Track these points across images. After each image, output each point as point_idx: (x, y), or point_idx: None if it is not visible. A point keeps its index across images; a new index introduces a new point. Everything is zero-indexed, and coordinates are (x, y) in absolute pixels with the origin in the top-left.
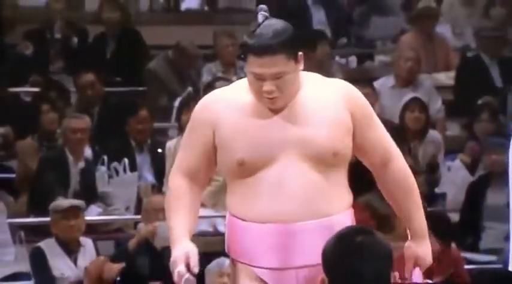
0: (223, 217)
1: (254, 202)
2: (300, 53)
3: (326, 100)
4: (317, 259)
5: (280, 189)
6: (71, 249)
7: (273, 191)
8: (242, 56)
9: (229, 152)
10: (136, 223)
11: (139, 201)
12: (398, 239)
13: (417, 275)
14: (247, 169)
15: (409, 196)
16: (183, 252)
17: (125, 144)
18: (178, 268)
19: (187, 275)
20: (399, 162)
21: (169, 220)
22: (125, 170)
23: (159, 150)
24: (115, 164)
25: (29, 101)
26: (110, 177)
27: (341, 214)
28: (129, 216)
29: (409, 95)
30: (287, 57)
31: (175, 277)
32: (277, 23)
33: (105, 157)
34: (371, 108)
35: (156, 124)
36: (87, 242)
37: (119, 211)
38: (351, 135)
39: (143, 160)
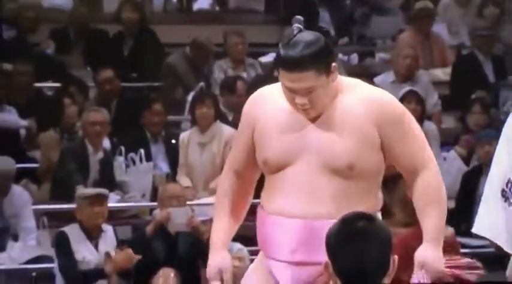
0: None
1: (273, 197)
2: (334, 64)
3: (354, 112)
4: (304, 257)
5: (292, 188)
6: (93, 235)
7: (286, 189)
8: (275, 68)
9: (259, 150)
10: (151, 210)
11: (154, 189)
12: (397, 225)
13: (421, 276)
14: (271, 168)
15: (430, 203)
16: (218, 267)
17: (141, 135)
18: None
19: None
20: (430, 172)
21: (214, 218)
22: (141, 160)
23: (173, 141)
24: (131, 154)
25: (51, 96)
26: (127, 166)
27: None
28: (145, 203)
29: (406, 89)
30: (317, 72)
31: None
32: (308, 37)
33: (122, 148)
34: (406, 120)
35: (170, 117)
36: (108, 228)
37: (136, 199)
38: (376, 149)
39: (158, 150)
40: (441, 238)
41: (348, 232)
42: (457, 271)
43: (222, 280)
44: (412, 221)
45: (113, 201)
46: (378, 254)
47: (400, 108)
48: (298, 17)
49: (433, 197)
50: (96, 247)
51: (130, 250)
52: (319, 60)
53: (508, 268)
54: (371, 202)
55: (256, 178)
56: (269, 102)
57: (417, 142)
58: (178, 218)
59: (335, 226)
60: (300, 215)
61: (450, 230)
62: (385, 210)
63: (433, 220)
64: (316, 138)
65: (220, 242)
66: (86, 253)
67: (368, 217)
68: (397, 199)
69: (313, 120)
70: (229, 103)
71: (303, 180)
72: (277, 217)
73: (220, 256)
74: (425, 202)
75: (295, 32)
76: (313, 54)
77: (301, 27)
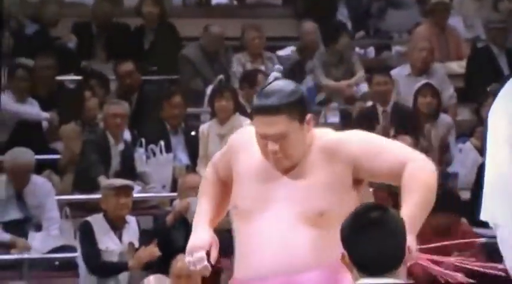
0: None
1: (246, 259)
2: (309, 115)
3: (324, 158)
4: None
5: (264, 244)
6: (117, 225)
7: (259, 247)
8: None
9: (232, 194)
10: (172, 200)
11: (174, 179)
12: None
13: None
14: (239, 214)
15: (410, 191)
16: (206, 240)
17: (161, 127)
18: (199, 254)
19: (206, 262)
20: (414, 164)
21: (198, 203)
22: (161, 151)
23: (193, 133)
24: (152, 146)
25: (73, 89)
26: (148, 157)
27: (306, 273)
28: (165, 194)
29: (422, 82)
30: (290, 117)
31: (193, 260)
32: (285, 84)
33: (143, 140)
34: (369, 138)
35: (190, 109)
36: (131, 219)
37: (156, 189)
38: (347, 189)
39: (178, 142)
40: (416, 225)
41: (362, 222)
42: (433, 265)
43: (208, 254)
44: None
45: (134, 192)
46: (392, 243)
47: (349, 132)
48: (278, 66)
49: (414, 186)
50: (119, 237)
51: (153, 246)
52: (293, 106)
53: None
54: (322, 257)
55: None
56: (248, 147)
57: (386, 147)
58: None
59: (349, 217)
60: (278, 272)
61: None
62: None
63: (409, 207)
64: (284, 186)
65: (204, 221)
66: (109, 243)
67: (381, 208)
68: None
69: (285, 172)
70: (249, 96)
71: (275, 230)
72: (254, 282)
73: (207, 230)
74: (405, 191)
75: (271, 80)
76: (287, 100)
77: (279, 75)
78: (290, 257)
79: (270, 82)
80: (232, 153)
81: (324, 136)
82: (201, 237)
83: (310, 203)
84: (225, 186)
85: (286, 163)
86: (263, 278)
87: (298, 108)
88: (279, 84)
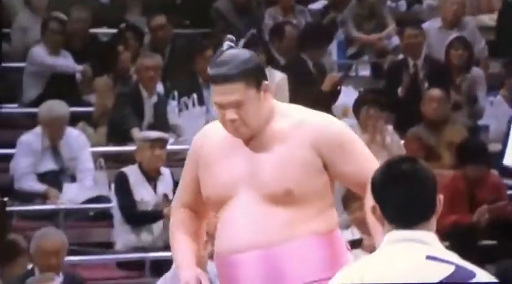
0: None
1: (224, 236)
2: (266, 82)
3: (286, 137)
4: None
5: (239, 222)
6: (151, 176)
7: (234, 225)
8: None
9: (202, 187)
10: None
11: None
12: (443, 167)
13: None
14: (214, 204)
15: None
16: (195, 275)
17: (193, 81)
18: None
19: None
20: None
21: (173, 250)
22: (193, 104)
23: None
24: (184, 99)
25: (106, 42)
26: (180, 110)
27: (287, 243)
28: None
29: (453, 35)
30: (246, 85)
31: None
32: (239, 52)
33: (176, 93)
34: (346, 139)
35: None
36: (165, 171)
37: (189, 141)
38: (318, 171)
39: (210, 95)
40: None
41: (393, 174)
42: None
43: None
44: (458, 163)
45: (168, 144)
46: (424, 195)
47: (338, 127)
48: (230, 36)
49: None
50: (154, 189)
51: None
52: (249, 73)
53: None
54: (322, 223)
55: (207, 213)
56: (209, 139)
57: (362, 158)
58: None
59: (379, 170)
60: (255, 246)
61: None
62: (432, 152)
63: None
64: (250, 168)
65: (188, 260)
66: (144, 194)
67: (411, 159)
68: (443, 142)
69: (247, 147)
70: (279, 48)
71: (248, 213)
72: (233, 256)
73: (194, 267)
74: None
75: (225, 47)
76: (242, 67)
77: (233, 44)
78: (265, 235)
79: (224, 51)
80: (195, 152)
81: (291, 111)
82: (189, 275)
83: (277, 182)
84: (197, 218)
85: (245, 132)
86: (242, 251)
87: (254, 76)
88: (233, 52)
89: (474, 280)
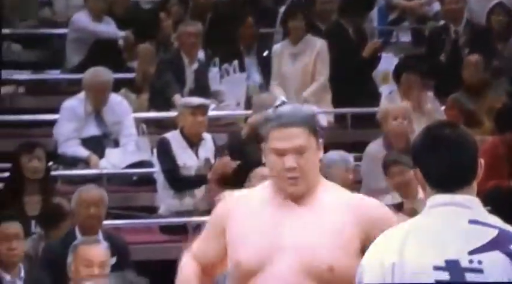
0: (325, 113)
1: None
2: (321, 141)
3: (335, 212)
4: None
5: None
6: (193, 142)
7: None
8: (264, 136)
9: (231, 252)
10: (246, 118)
11: (248, 98)
12: (485, 133)
13: None
14: (243, 272)
15: None
16: None
17: (234, 47)
18: None
19: None
20: None
21: None
22: (234, 71)
23: (265, 53)
24: (226, 65)
25: (149, 9)
26: (221, 76)
27: None
28: (240, 111)
29: (494, 1)
30: (308, 131)
31: None
32: (298, 105)
33: (217, 59)
34: (391, 219)
35: (262, 30)
36: (207, 136)
37: (230, 107)
38: (356, 254)
39: (251, 62)
40: None
41: (434, 139)
42: None
43: None
44: (498, 129)
45: (209, 110)
46: (465, 159)
47: (389, 212)
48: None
49: None
50: (196, 153)
51: (228, 157)
52: (311, 121)
53: None
54: None
55: (215, 275)
56: (241, 204)
57: None
58: None
59: (420, 135)
60: None
61: None
62: (472, 118)
63: None
64: (293, 237)
65: None
66: (186, 159)
67: (452, 124)
68: (485, 107)
69: (292, 211)
70: (320, 15)
71: None
72: None
73: None
74: None
75: (279, 102)
76: (305, 114)
77: (286, 101)
78: None
79: (280, 104)
80: (222, 221)
81: (337, 187)
82: None
83: (323, 256)
84: (205, 277)
85: (301, 187)
86: None
87: (315, 126)
88: (292, 105)
89: None
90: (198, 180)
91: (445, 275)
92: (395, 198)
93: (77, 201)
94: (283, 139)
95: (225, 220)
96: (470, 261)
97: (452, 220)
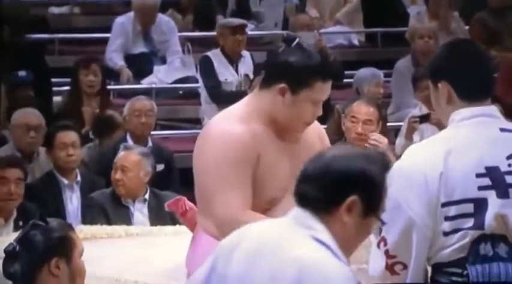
0: (357, 32)
1: None
2: None
3: (314, 139)
4: None
5: None
6: (233, 59)
7: None
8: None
9: (261, 187)
10: (283, 37)
11: (285, 19)
12: (505, 51)
13: None
14: (268, 200)
15: None
16: None
17: None
18: None
19: None
20: None
21: None
22: None
23: None
24: None
25: None
26: None
27: None
28: (278, 31)
29: None
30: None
31: None
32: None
33: None
34: None
35: None
36: (246, 54)
37: (269, 27)
38: None
39: None
40: None
41: (462, 53)
42: None
43: None
44: None
45: (249, 30)
46: (490, 73)
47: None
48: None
49: None
50: (236, 70)
51: None
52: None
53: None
54: None
55: None
56: (261, 139)
57: None
58: (307, 40)
59: (445, 50)
60: None
61: None
62: (495, 36)
63: None
64: (295, 167)
65: None
66: (227, 75)
67: (472, 41)
68: (506, 26)
69: (287, 147)
70: None
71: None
72: None
73: None
74: None
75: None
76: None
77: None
78: None
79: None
80: (249, 152)
81: None
82: None
83: None
84: None
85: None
86: None
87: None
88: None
89: None
90: (239, 95)
91: (487, 181)
92: (423, 109)
93: (129, 110)
94: (326, 91)
95: (253, 156)
96: (509, 165)
97: (485, 129)
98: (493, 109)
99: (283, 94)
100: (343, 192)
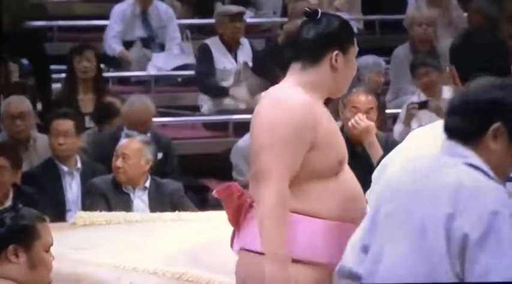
0: (355, 20)
1: (332, 202)
2: None
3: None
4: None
5: (350, 192)
6: (232, 47)
7: (347, 193)
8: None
9: (329, 151)
10: (282, 25)
11: (284, 5)
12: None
13: None
14: (340, 167)
15: None
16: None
17: None
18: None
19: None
20: None
21: (278, 229)
22: None
23: None
24: None
25: None
26: None
27: None
28: (277, 19)
29: None
30: None
31: None
32: None
33: None
34: None
35: None
36: (245, 41)
37: (268, 15)
38: None
39: None
40: None
41: (473, 42)
42: None
43: None
44: None
45: (248, 17)
46: (499, 62)
47: None
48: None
49: None
50: (235, 57)
51: None
52: None
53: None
54: None
55: None
56: (316, 109)
57: None
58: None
59: (460, 38)
60: (356, 219)
61: None
62: (493, 24)
63: None
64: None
65: (288, 257)
66: (226, 63)
67: (489, 31)
68: (505, 14)
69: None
70: None
71: (355, 182)
72: (343, 224)
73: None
74: None
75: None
76: None
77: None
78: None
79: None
80: (312, 123)
81: None
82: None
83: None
84: None
85: None
86: (348, 220)
87: None
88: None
89: None
90: (224, 91)
91: None
92: (422, 96)
93: (126, 114)
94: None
95: (314, 122)
96: None
97: None
98: None
99: (336, 60)
100: (486, 120)
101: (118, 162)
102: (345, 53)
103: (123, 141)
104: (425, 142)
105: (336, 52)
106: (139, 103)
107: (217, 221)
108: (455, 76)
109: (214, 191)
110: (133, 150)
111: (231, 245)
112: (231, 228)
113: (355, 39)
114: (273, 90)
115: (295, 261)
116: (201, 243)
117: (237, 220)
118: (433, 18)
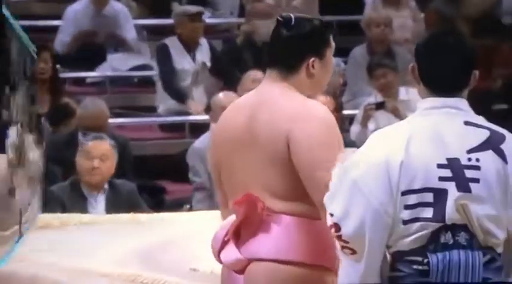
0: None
1: None
2: None
3: None
4: None
5: None
6: (191, 47)
7: None
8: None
9: None
10: (239, 25)
11: (241, 5)
12: None
13: None
14: None
15: None
16: None
17: None
18: None
19: None
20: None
21: None
22: None
23: None
24: None
25: None
26: None
27: None
28: (234, 19)
29: None
30: None
31: None
32: None
33: None
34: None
35: None
36: (203, 41)
37: (225, 15)
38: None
39: None
40: None
41: (437, 44)
42: None
43: None
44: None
45: (206, 17)
46: (465, 66)
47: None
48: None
49: None
50: (193, 58)
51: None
52: None
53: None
54: None
55: None
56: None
57: (321, 163)
58: (264, 29)
59: (426, 38)
60: None
61: None
62: (450, 25)
63: None
64: None
65: None
66: (184, 63)
67: (457, 33)
68: (461, 15)
69: None
70: None
71: None
72: None
73: None
74: None
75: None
76: None
77: None
78: None
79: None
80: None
81: None
82: None
83: None
84: None
85: None
86: None
87: None
88: None
89: (504, 143)
90: (188, 90)
91: (447, 172)
92: (378, 97)
93: (81, 112)
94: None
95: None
96: (469, 159)
97: (449, 121)
98: (461, 101)
99: (314, 66)
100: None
101: (95, 163)
102: (321, 57)
103: (94, 142)
104: (383, 144)
105: (313, 59)
106: (93, 107)
107: (172, 222)
108: (417, 77)
109: (233, 202)
110: (108, 151)
111: (217, 254)
112: (187, 229)
113: (330, 38)
114: (296, 101)
115: (327, 268)
116: (156, 245)
117: (246, 231)
118: (390, 19)
